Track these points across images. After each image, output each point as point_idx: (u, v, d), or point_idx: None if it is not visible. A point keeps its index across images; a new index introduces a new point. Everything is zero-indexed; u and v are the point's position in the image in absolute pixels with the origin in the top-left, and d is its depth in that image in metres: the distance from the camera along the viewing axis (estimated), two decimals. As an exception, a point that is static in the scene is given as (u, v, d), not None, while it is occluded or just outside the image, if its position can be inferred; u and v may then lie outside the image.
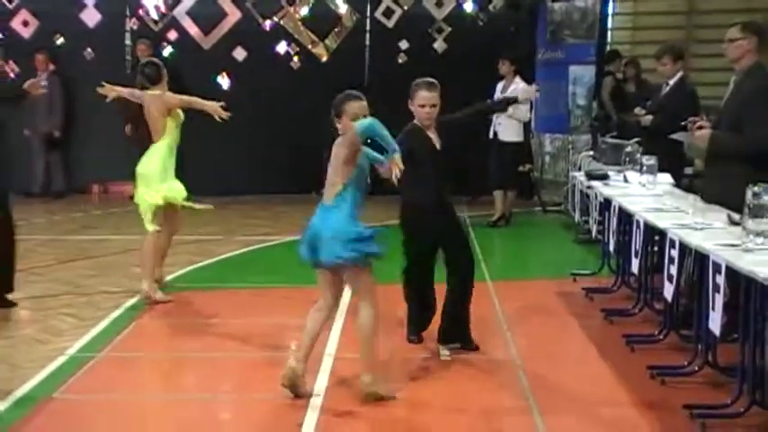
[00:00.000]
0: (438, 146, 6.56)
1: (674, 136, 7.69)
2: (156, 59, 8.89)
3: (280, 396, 5.73)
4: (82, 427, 5.37)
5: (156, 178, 8.00)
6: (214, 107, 8.01)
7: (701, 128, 6.79)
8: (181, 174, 8.27)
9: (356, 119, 5.54)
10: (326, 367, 6.19)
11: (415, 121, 6.57)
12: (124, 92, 8.42)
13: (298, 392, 5.60)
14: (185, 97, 8.24)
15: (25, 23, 14.21)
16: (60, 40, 14.09)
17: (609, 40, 13.73)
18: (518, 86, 11.84)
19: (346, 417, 5.41)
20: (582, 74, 12.97)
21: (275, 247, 10.53)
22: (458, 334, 6.64)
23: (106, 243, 10.54)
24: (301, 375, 5.62)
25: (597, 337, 7.04)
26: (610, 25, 13.82)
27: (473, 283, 6.69)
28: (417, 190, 6.41)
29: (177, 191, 8.07)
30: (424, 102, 6.46)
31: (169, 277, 8.85)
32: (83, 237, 11.13)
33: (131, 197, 9.85)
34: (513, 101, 8.83)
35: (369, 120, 5.50)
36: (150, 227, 7.99)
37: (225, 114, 8.01)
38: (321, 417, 5.35)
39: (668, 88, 8.73)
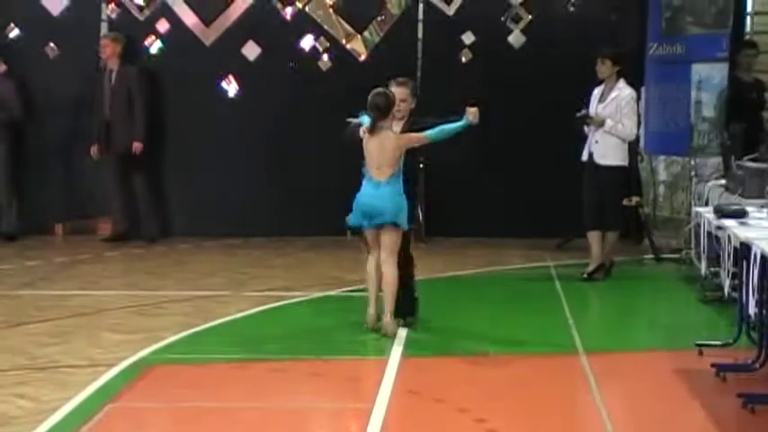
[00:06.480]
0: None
1: None
2: None
3: None
4: None
5: None
6: None
7: None
8: None
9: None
10: None
11: None
12: None
13: (386, 333, 9.04)
14: None
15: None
16: (14, 33, 14.16)
17: (748, 29, 13.56)
18: (621, 93, 11.66)
19: None
20: (710, 74, 12.64)
21: (299, 306, 10.49)
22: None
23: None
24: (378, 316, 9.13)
25: (735, 434, 6.64)
26: (749, 9, 13.63)
27: None
28: None
29: None
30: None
31: (158, 345, 8.82)
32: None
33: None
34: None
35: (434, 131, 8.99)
36: None
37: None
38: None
39: None
